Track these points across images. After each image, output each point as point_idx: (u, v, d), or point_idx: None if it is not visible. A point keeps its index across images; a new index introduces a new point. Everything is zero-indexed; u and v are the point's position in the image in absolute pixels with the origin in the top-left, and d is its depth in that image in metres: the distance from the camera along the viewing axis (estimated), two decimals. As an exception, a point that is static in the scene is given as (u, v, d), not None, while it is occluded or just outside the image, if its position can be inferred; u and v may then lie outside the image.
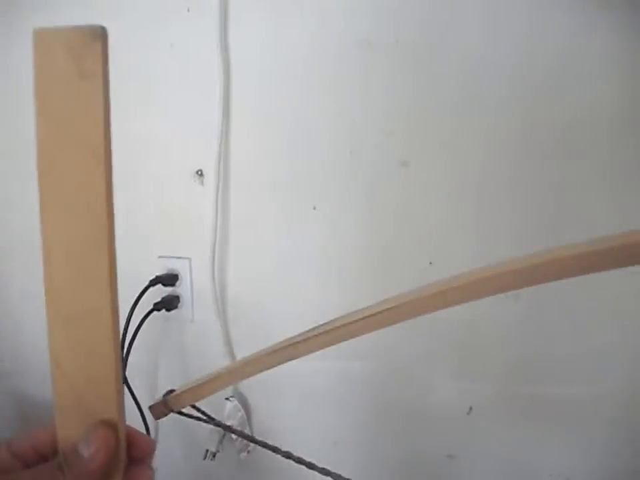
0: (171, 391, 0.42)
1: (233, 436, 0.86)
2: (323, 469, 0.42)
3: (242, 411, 0.88)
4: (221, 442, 0.88)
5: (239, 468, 0.94)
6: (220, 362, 0.91)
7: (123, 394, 0.37)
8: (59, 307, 0.34)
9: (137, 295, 0.85)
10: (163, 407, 0.41)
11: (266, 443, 0.42)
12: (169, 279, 0.89)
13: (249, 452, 0.90)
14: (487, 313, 0.77)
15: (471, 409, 0.81)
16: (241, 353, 0.89)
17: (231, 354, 0.89)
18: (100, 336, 0.34)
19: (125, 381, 0.87)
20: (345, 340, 0.37)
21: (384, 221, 0.79)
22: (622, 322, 0.73)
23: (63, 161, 0.32)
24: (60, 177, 0.32)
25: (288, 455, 0.41)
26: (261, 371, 0.40)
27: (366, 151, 0.78)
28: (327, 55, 0.77)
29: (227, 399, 0.88)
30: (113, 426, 0.35)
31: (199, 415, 0.42)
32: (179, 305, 0.90)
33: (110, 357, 0.35)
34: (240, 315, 0.89)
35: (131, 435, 0.37)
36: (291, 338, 0.38)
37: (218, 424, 0.40)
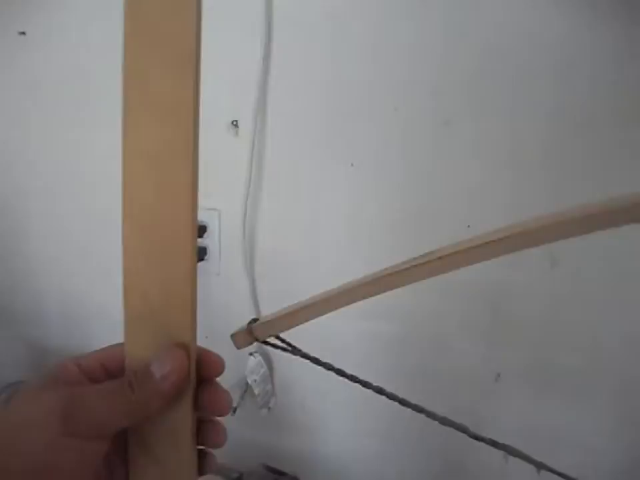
0: (255, 320, 0.41)
1: (255, 392, 0.86)
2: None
3: (265, 366, 0.87)
4: (242, 397, 0.88)
5: (259, 424, 0.93)
6: (245, 317, 0.89)
7: (196, 309, 0.35)
8: (137, 216, 0.33)
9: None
10: (247, 336, 0.40)
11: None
12: (197, 230, 0.87)
13: (269, 409, 0.89)
14: (523, 277, 0.77)
15: (499, 375, 0.81)
16: (267, 309, 0.88)
17: (257, 309, 0.88)
18: (178, 247, 0.33)
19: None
20: (448, 272, 0.36)
21: (422, 180, 0.78)
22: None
23: (151, 64, 0.31)
24: (146, 80, 0.31)
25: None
26: (354, 301, 0.39)
27: (410, 109, 0.77)
28: (375, 5, 0.75)
29: (250, 354, 0.87)
30: (186, 347, 0.34)
31: (283, 345, 0.40)
32: (206, 257, 0.88)
33: (187, 269, 0.33)
34: (267, 271, 0.88)
35: (201, 353, 0.37)
36: (392, 267, 0.37)
37: (304, 355, 0.39)
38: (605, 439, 0.79)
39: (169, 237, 0.33)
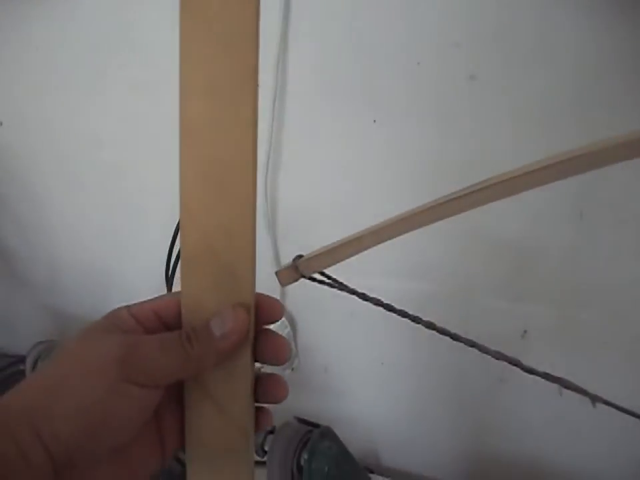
0: (300, 256, 0.40)
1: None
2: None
3: (289, 327, 0.87)
4: (265, 358, 0.87)
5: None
6: (267, 278, 0.89)
7: (255, 252, 0.34)
8: (195, 153, 0.32)
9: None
10: (293, 272, 0.40)
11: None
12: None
13: (293, 369, 0.89)
14: (549, 234, 0.76)
15: (525, 332, 0.80)
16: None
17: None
18: (238, 186, 0.33)
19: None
20: (504, 197, 0.35)
21: (447, 137, 0.77)
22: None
23: None
24: (205, 7, 0.30)
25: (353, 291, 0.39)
26: (400, 234, 0.38)
27: (434, 63, 0.76)
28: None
29: (274, 314, 0.86)
30: (247, 306, 0.34)
31: (330, 281, 0.40)
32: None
33: (248, 209, 0.33)
34: (290, 231, 0.87)
35: (258, 298, 0.36)
36: (445, 196, 0.36)
37: (352, 291, 0.38)
38: (634, 397, 0.78)
39: (229, 176, 0.32)
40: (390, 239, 0.37)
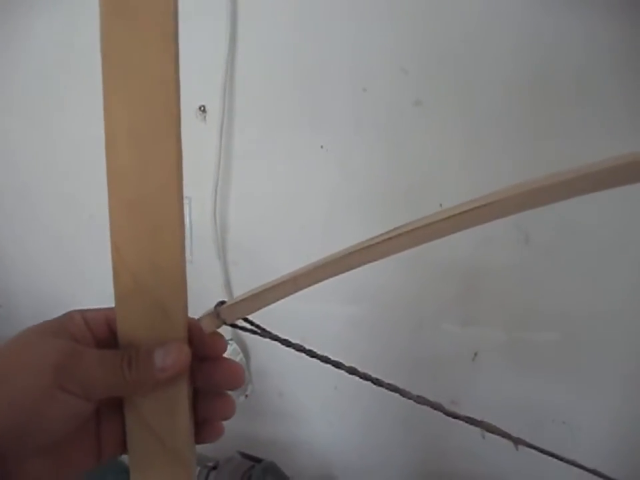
0: (222, 302, 0.40)
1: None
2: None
3: (241, 354, 0.86)
4: (218, 385, 0.87)
5: (236, 412, 0.92)
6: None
7: (186, 286, 0.35)
8: (123, 196, 0.32)
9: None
10: (215, 319, 0.39)
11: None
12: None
13: (246, 396, 0.88)
14: (497, 257, 0.77)
15: (476, 354, 0.81)
16: (241, 296, 0.87)
17: (230, 296, 0.87)
18: (166, 225, 0.33)
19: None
20: (414, 246, 0.35)
21: (394, 161, 0.78)
22: (635, 269, 0.73)
23: (129, 43, 0.30)
24: (125, 60, 0.31)
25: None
26: (320, 280, 0.38)
27: (380, 89, 0.76)
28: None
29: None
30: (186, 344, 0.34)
31: (253, 328, 0.40)
32: (177, 245, 0.87)
33: (176, 246, 0.33)
34: (240, 257, 0.87)
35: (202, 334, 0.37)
36: (357, 244, 0.36)
37: (274, 337, 0.38)
38: (582, 416, 0.80)
39: (157, 216, 0.33)
40: (304, 287, 0.36)
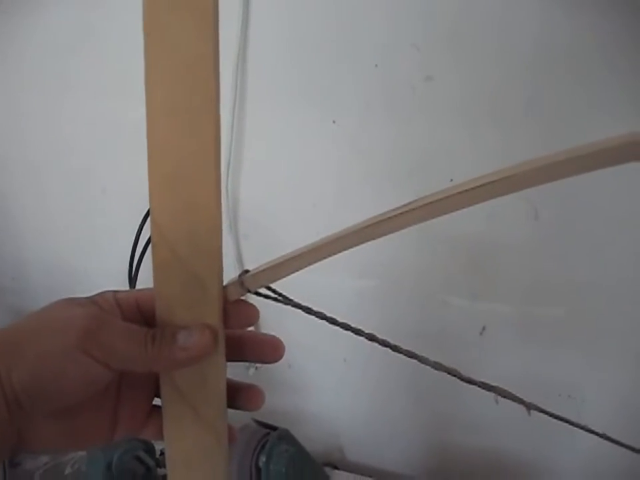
0: (247, 271, 0.41)
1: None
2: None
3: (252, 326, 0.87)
4: (230, 357, 0.88)
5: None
6: (230, 277, 0.90)
7: (222, 260, 0.37)
8: (162, 171, 0.34)
9: (145, 211, 0.82)
10: (239, 287, 0.40)
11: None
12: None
13: (256, 368, 0.90)
14: (505, 231, 0.77)
15: (484, 328, 0.82)
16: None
17: (241, 268, 0.88)
18: (203, 195, 0.34)
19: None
20: (429, 219, 0.36)
21: (405, 137, 0.78)
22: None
23: (171, 21, 0.32)
24: (166, 37, 0.32)
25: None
26: (342, 250, 0.39)
27: (391, 65, 0.76)
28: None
29: (236, 314, 0.87)
30: (214, 329, 0.35)
31: (276, 296, 0.41)
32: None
33: (213, 220, 0.34)
34: (251, 230, 0.88)
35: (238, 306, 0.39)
36: (375, 216, 0.37)
37: (296, 305, 0.39)
38: (589, 389, 0.81)
39: (195, 190, 0.34)
40: (327, 257, 0.37)
